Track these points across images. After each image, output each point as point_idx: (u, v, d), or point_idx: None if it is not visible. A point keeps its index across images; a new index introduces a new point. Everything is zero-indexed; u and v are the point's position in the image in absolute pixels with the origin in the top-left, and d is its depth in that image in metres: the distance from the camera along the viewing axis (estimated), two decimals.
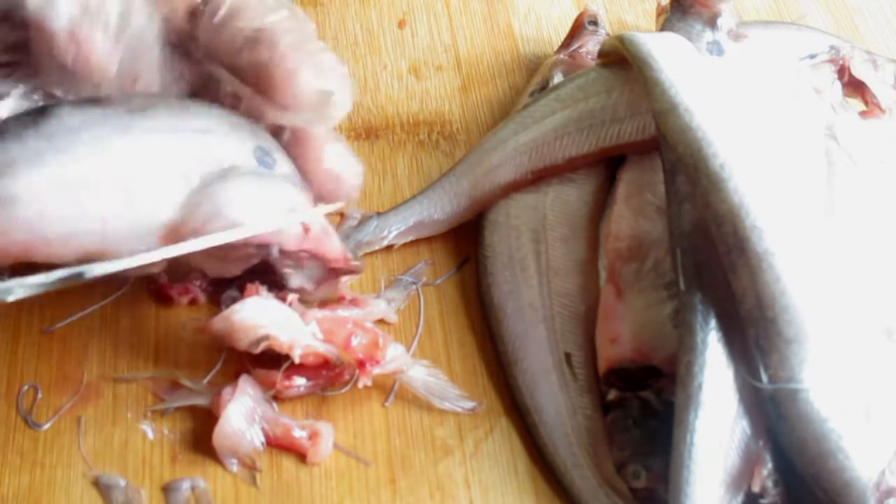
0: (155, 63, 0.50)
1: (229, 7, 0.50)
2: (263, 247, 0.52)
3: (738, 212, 0.50)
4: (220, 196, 0.49)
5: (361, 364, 0.55)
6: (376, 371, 0.55)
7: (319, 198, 0.55)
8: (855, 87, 0.66)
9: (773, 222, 0.50)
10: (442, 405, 0.57)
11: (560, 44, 0.72)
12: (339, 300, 0.59)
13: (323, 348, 0.55)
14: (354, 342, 0.55)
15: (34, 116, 0.47)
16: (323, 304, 0.59)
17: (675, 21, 0.63)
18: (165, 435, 0.56)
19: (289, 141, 0.54)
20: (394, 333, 0.60)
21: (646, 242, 0.58)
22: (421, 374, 0.57)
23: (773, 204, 0.51)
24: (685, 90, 0.55)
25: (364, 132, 0.70)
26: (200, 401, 0.56)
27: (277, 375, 0.55)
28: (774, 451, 0.50)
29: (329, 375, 0.56)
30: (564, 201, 0.63)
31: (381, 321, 0.60)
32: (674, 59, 0.57)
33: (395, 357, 0.56)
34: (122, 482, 0.54)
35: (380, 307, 0.60)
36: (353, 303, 0.59)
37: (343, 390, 0.57)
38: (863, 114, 0.64)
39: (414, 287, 0.62)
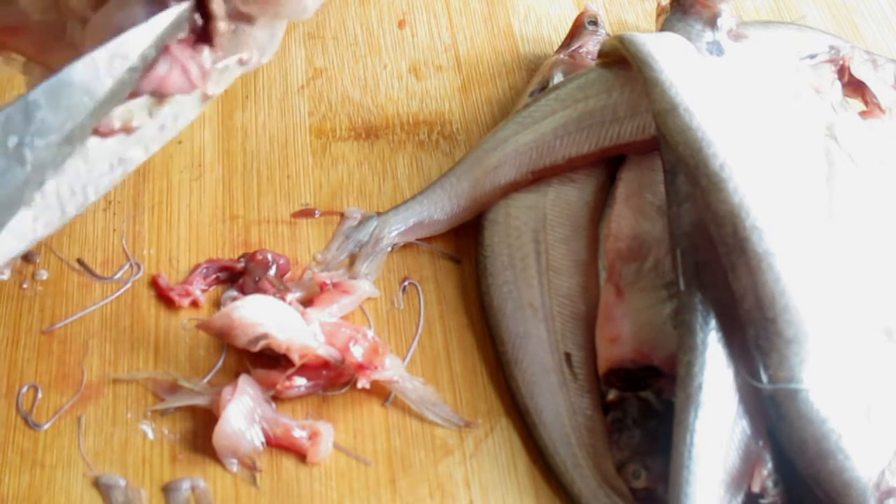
0: None
1: None
2: None
3: (738, 212, 0.50)
4: None
5: (361, 368, 0.55)
6: (374, 376, 0.55)
7: None
8: (855, 87, 0.66)
9: (773, 222, 0.50)
10: (435, 419, 0.57)
11: (560, 44, 0.72)
12: (323, 286, 0.59)
13: (322, 350, 0.55)
14: (354, 347, 0.55)
15: None
16: (312, 296, 0.59)
17: (675, 21, 0.63)
18: (165, 435, 0.56)
19: None
20: (394, 333, 0.60)
21: (646, 242, 0.58)
22: (416, 387, 0.57)
23: (773, 204, 0.51)
24: (685, 90, 0.55)
25: (364, 132, 0.70)
26: (200, 401, 0.56)
27: (278, 376, 0.55)
28: (774, 451, 0.50)
29: (329, 376, 0.56)
30: (564, 201, 0.63)
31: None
32: (674, 59, 0.57)
33: (392, 366, 0.56)
34: (122, 482, 0.54)
35: (365, 288, 0.61)
36: (338, 287, 0.59)
37: (343, 390, 0.57)
38: (863, 114, 0.64)
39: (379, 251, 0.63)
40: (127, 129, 0.45)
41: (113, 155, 0.44)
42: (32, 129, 0.39)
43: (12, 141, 0.38)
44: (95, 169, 0.44)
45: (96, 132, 0.44)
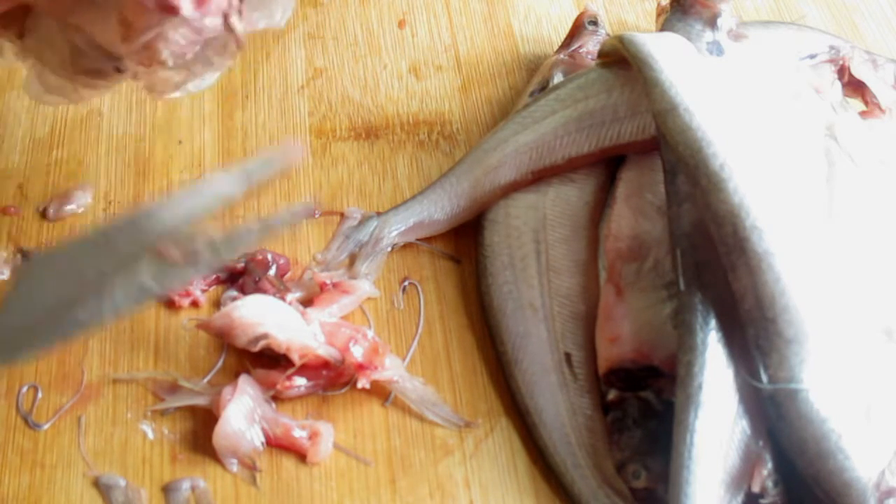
0: None
1: None
2: None
3: (738, 212, 0.50)
4: None
5: (361, 368, 0.55)
6: (374, 376, 0.55)
7: None
8: (855, 87, 0.65)
9: (773, 222, 0.50)
10: (435, 419, 0.57)
11: (560, 44, 0.72)
12: (323, 286, 0.59)
13: (322, 350, 0.55)
14: (354, 347, 0.55)
15: None
16: (312, 296, 0.60)
17: (675, 21, 0.63)
18: (165, 435, 0.56)
19: None
20: (394, 333, 0.60)
21: (646, 242, 0.58)
22: (416, 387, 0.57)
23: (773, 204, 0.51)
24: (685, 90, 0.55)
25: (364, 132, 0.70)
26: (200, 401, 0.56)
27: (278, 376, 0.55)
28: (774, 451, 0.50)
29: (329, 376, 0.56)
30: (564, 201, 0.63)
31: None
32: (674, 59, 0.57)
33: (392, 366, 0.56)
34: (122, 482, 0.54)
35: (365, 288, 0.61)
36: (338, 287, 0.59)
37: (343, 390, 0.57)
38: (863, 114, 0.64)
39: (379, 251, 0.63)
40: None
41: (165, 277, 0.47)
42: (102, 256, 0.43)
43: (85, 264, 0.43)
44: (145, 288, 0.47)
45: (161, 256, 0.47)
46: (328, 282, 0.60)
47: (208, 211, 0.43)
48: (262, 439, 0.55)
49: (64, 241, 0.43)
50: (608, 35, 0.72)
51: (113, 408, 0.57)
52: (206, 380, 0.57)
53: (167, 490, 0.54)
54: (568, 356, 0.58)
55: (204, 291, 0.61)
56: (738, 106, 0.56)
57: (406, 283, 0.62)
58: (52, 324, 0.42)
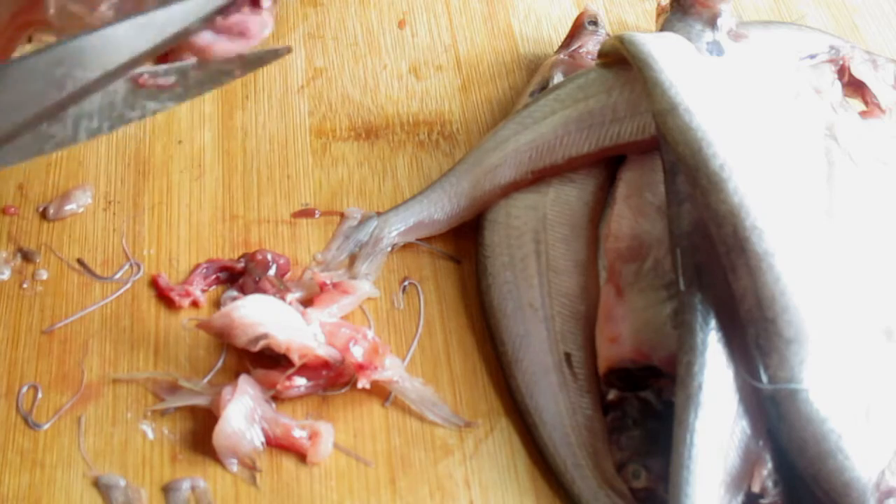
0: None
1: None
2: None
3: (738, 212, 0.50)
4: None
5: (361, 368, 0.55)
6: (374, 376, 0.55)
7: None
8: (855, 87, 0.66)
9: (774, 222, 0.50)
10: (435, 419, 0.57)
11: (560, 44, 0.72)
12: (323, 286, 0.59)
13: (322, 350, 0.55)
14: (354, 347, 0.55)
15: None
16: (312, 296, 0.60)
17: (675, 21, 0.63)
18: (165, 435, 0.56)
19: None
20: (394, 333, 0.60)
21: (646, 242, 0.58)
22: (416, 387, 0.57)
23: (773, 204, 0.51)
24: (685, 90, 0.55)
25: (364, 132, 0.70)
26: (200, 401, 0.56)
27: (278, 376, 0.55)
28: (774, 451, 0.50)
29: (329, 376, 0.56)
30: (564, 201, 0.63)
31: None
32: (674, 59, 0.57)
33: (392, 366, 0.56)
34: (122, 482, 0.54)
35: (365, 288, 0.61)
36: (338, 287, 0.60)
37: (343, 390, 0.57)
38: (863, 114, 0.65)
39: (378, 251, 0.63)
40: (161, 86, 0.50)
41: (136, 101, 0.51)
42: (76, 65, 0.47)
43: (60, 71, 0.47)
44: (117, 109, 0.51)
45: (135, 82, 0.50)
46: (328, 282, 0.60)
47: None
48: (262, 439, 0.55)
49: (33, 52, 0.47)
50: (608, 35, 0.72)
51: (113, 408, 0.57)
52: (206, 380, 0.57)
53: (167, 490, 0.54)
54: (568, 356, 0.58)
55: (204, 291, 0.61)
56: (738, 106, 0.56)
57: (406, 283, 0.62)
58: (24, 136, 0.45)
